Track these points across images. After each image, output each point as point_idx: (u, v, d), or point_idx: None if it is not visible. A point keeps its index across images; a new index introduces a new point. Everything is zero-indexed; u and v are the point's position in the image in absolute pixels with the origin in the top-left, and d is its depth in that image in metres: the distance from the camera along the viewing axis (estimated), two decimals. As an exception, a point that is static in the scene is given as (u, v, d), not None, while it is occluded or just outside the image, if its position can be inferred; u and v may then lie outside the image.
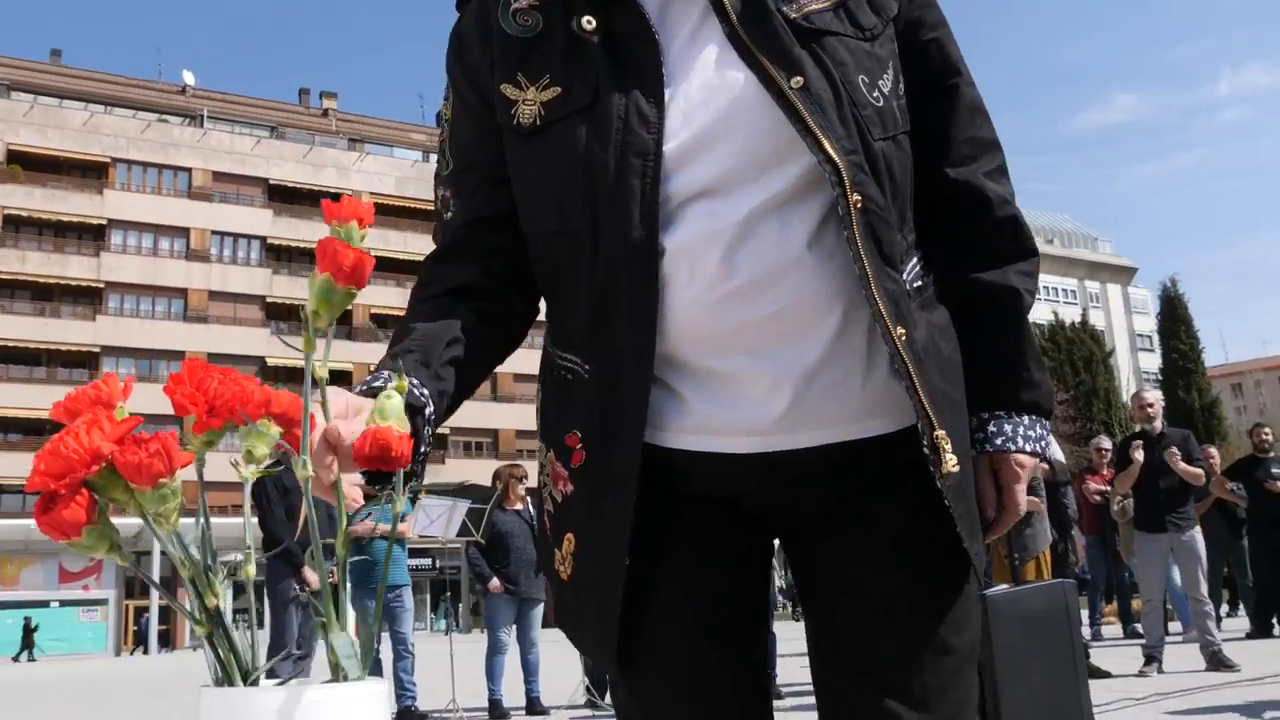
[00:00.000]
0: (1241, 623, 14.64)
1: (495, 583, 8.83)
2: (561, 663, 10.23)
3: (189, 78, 59.64)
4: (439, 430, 1.35)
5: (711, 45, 1.32)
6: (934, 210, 1.42)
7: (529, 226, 1.40)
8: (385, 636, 8.64)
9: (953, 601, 1.34)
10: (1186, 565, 8.97)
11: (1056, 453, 9.44)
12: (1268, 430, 11.43)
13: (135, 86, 57.93)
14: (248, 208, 54.60)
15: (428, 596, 47.80)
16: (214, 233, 53.60)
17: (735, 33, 1.30)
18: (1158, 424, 9.14)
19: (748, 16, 1.31)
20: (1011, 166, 1.50)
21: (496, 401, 51.47)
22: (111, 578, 46.09)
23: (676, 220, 1.27)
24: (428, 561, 44.85)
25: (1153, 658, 8.72)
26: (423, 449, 1.25)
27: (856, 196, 1.25)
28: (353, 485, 1.07)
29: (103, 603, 46.13)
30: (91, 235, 51.50)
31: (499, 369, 1.57)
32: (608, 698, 8.12)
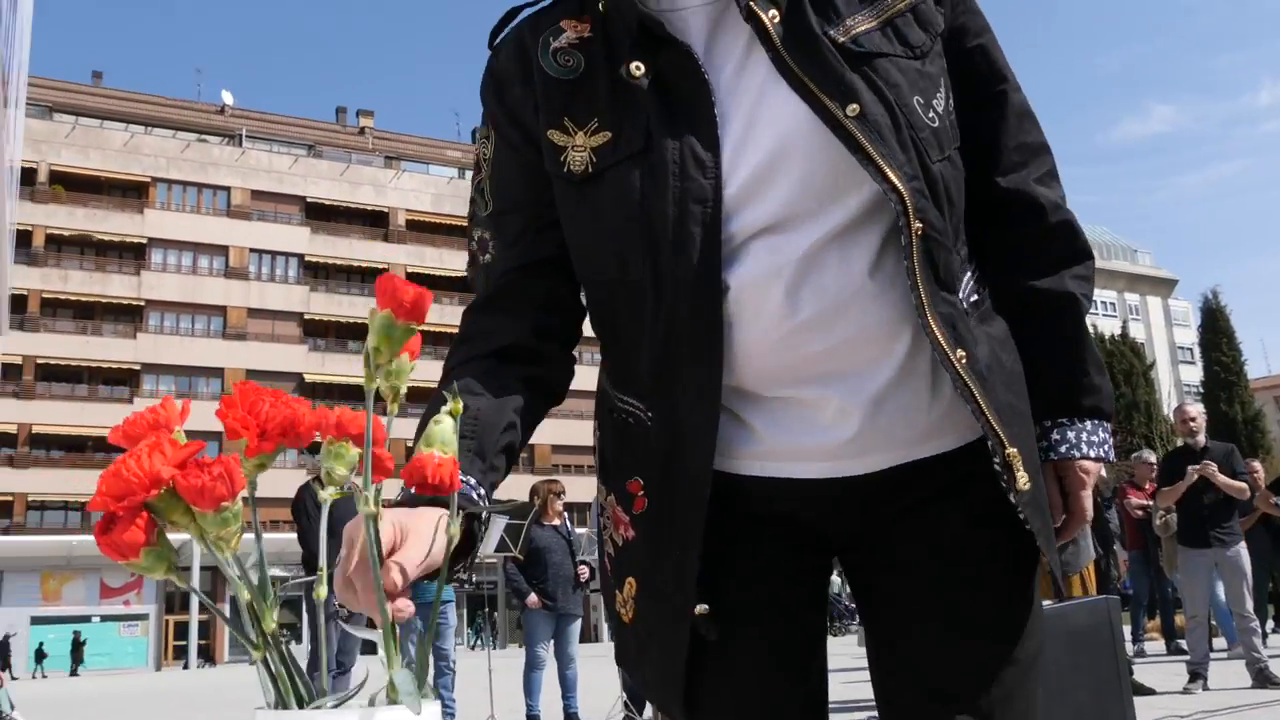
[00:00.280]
0: (1288, 639, 14.44)
1: (533, 598, 8.83)
2: (599, 678, 10.22)
3: (228, 98, 60.37)
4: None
5: (761, 77, 1.28)
6: (986, 218, 1.40)
7: (585, 274, 1.37)
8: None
9: (1016, 611, 1.33)
10: (1231, 581, 8.85)
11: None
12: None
13: (175, 107, 58.67)
14: (285, 225, 55.14)
15: (464, 611, 47.96)
16: (252, 250, 54.16)
17: (783, 61, 1.25)
18: (1201, 438, 9.03)
19: (794, 44, 1.26)
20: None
21: (532, 417, 51.59)
22: (152, 593, 46.52)
23: (739, 258, 1.25)
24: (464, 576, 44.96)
25: (1198, 674, 8.60)
26: (475, 551, 1.20)
27: (918, 224, 1.22)
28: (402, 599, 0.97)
29: (143, 618, 46.59)
30: (132, 254, 52.16)
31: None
32: (646, 713, 8.10)
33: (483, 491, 1.22)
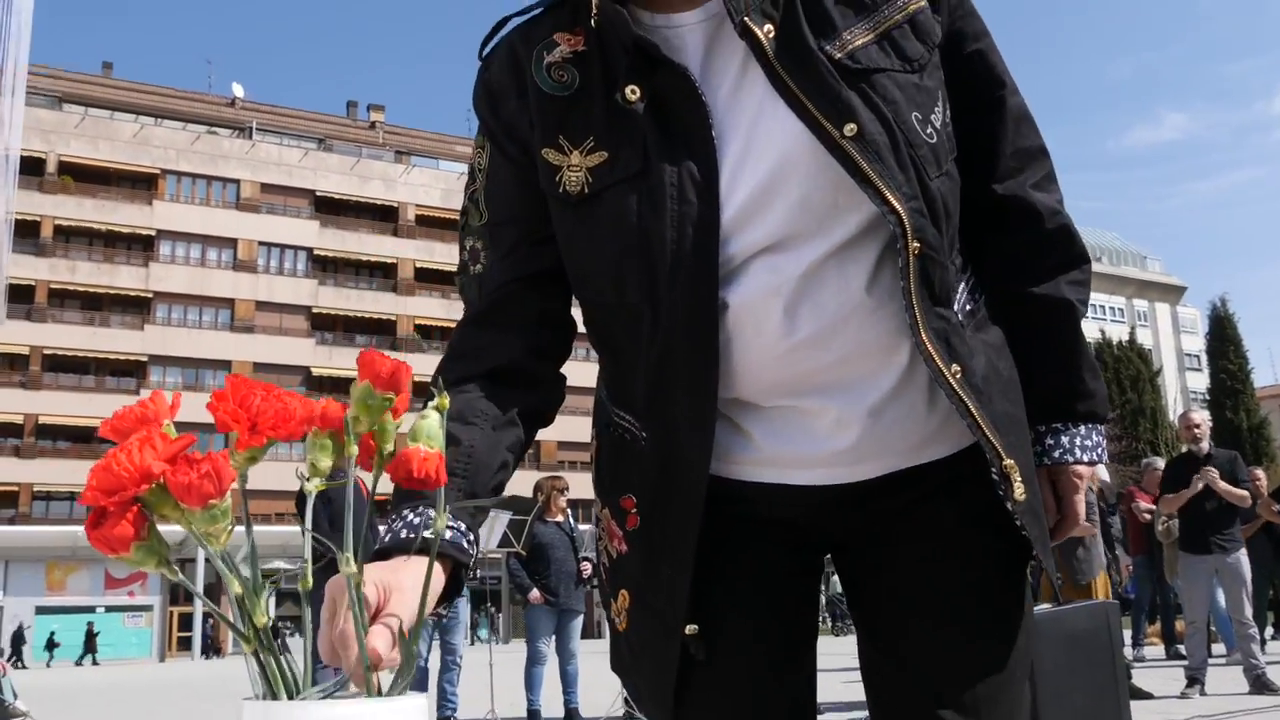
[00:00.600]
0: (1288, 646, 14.42)
1: (535, 594, 8.86)
2: (600, 674, 10.23)
3: (238, 90, 60.38)
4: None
5: (756, 96, 1.26)
6: (983, 224, 1.40)
7: (582, 295, 1.36)
8: (435, 646, 8.73)
9: (1005, 610, 1.34)
10: (1231, 587, 8.85)
11: (1103, 474, 9.35)
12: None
13: (185, 99, 58.71)
14: (295, 219, 55.16)
15: (467, 606, 47.98)
16: (261, 244, 54.18)
17: (780, 79, 1.23)
18: (1205, 445, 9.04)
19: (789, 61, 1.24)
20: (1060, 184, 1.47)
21: (538, 413, 51.54)
22: (156, 584, 46.57)
23: (737, 278, 1.25)
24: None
25: (1195, 679, 8.60)
26: (458, 599, 1.21)
27: (916, 244, 1.22)
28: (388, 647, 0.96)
29: (148, 609, 46.63)
30: (140, 246, 52.21)
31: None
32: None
33: (471, 538, 1.21)
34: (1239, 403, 51.07)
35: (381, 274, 57.24)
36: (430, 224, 57.85)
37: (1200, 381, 65.44)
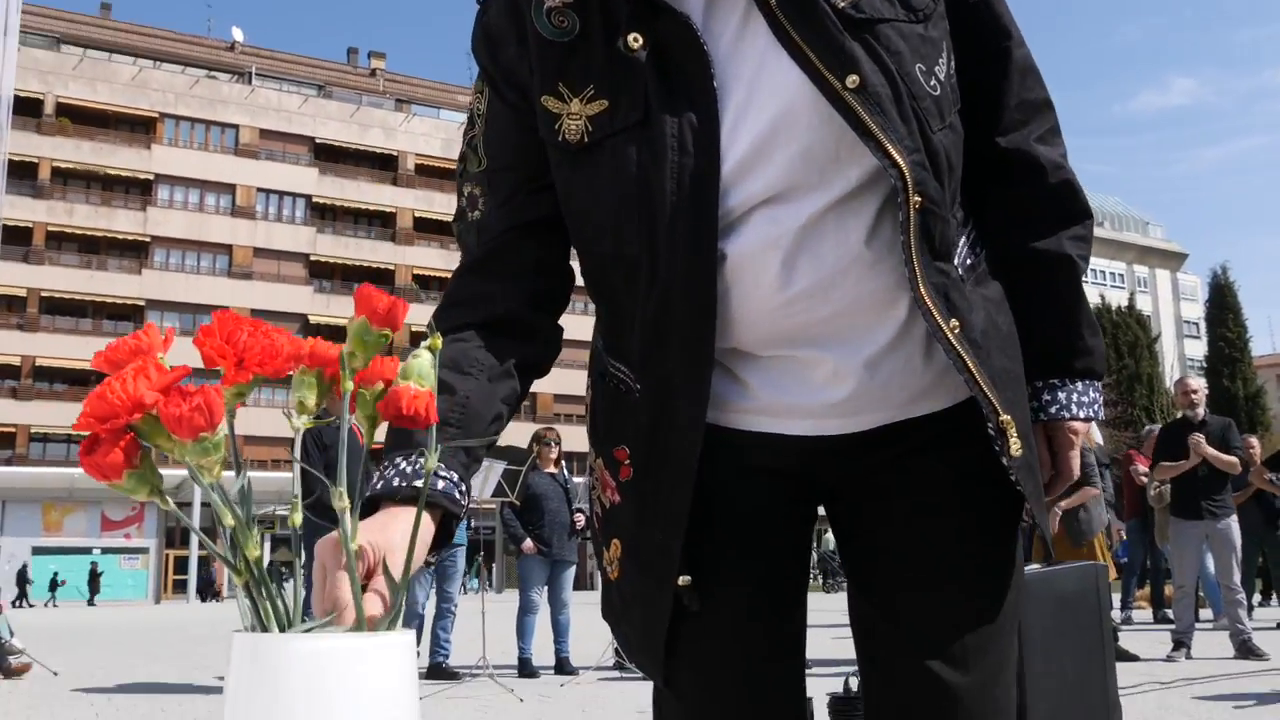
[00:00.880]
0: (1274, 612, 14.54)
1: (528, 544, 8.92)
2: (591, 624, 10.31)
3: (238, 34, 59.98)
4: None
5: (759, 47, 1.24)
6: (986, 177, 1.39)
7: (580, 245, 1.35)
8: (431, 594, 8.81)
9: (995, 564, 1.35)
10: (1220, 553, 8.92)
11: (1096, 436, 9.38)
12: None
13: (184, 42, 58.28)
14: (294, 166, 54.96)
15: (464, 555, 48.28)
16: (260, 190, 54.01)
17: (782, 29, 1.22)
18: (1200, 411, 9.06)
19: (792, 10, 1.22)
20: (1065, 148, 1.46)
21: (535, 366, 51.63)
22: (153, 527, 46.85)
23: (736, 229, 1.24)
24: (462, 522, 45.34)
25: (1181, 643, 8.68)
26: (456, 547, 1.20)
27: (917, 198, 1.21)
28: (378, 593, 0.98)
29: (144, 551, 46.92)
30: (138, 190, 52.04)
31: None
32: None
33: (464, 489, 1.21)
34: (1236, 371, 51.16)
35: (380, 223, 57.11)
36: (430, 174, 57.65)
37: (1198, 349, 65.51)
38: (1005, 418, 1.27)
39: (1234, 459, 8.78)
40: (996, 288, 1.37)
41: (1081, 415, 1.41)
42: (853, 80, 1.20)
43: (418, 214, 56.70)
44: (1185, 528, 8.98)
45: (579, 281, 1.46)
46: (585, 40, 1.29)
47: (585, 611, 7.08)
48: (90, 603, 42.40)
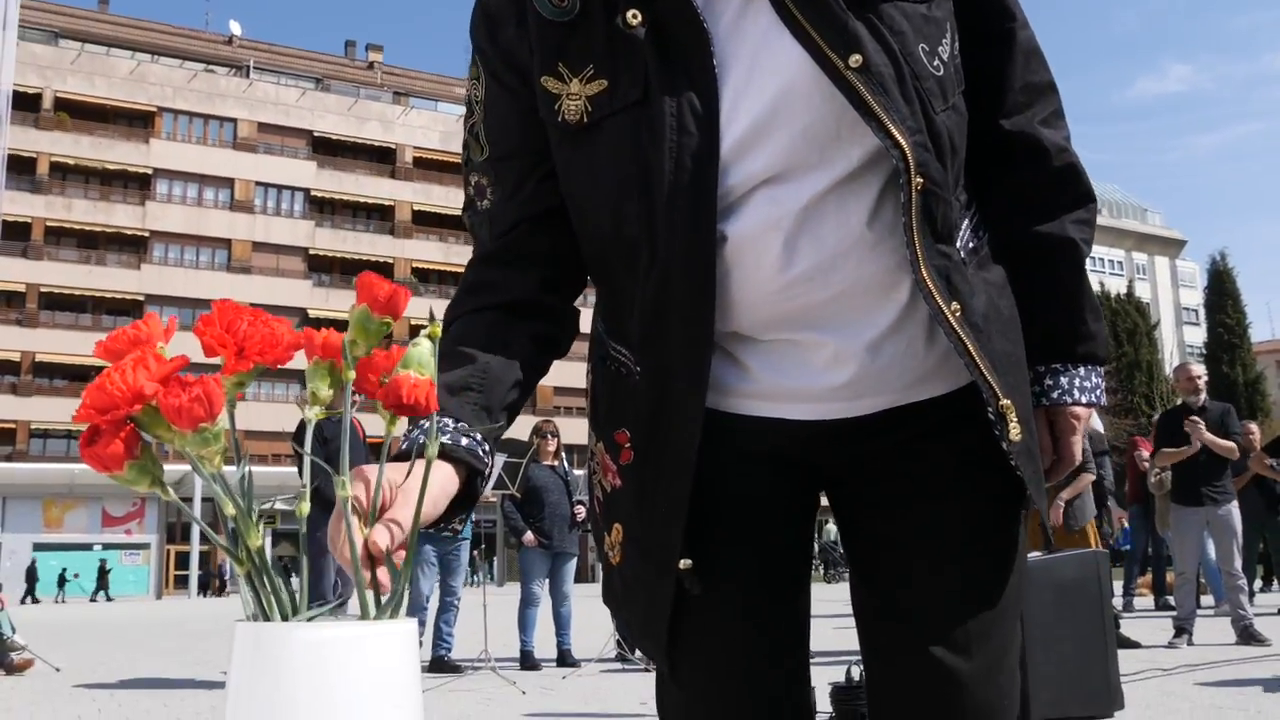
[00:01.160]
0: (1275, 598, 14.56)
1: (529, 536, 8.92)
2: (593, 616, 10.33)
3: (235, 28, 59.82)
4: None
5: (760, 25, 1.23)
6: (989, 159, 1.38)
7: (580, 226, 1.34)
8: (436, 586, 8.82)
9: (998, 550, 1.35)
10: (1221, 539, 8.92)
11: (1095, 423, 9.38)
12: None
13: (182, 36, 58.17)
14: (292, 159, 54.91)
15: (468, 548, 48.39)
16: (258, 184, 53.98)
17: (784, 7, 1.21)
18: (1202, 397, 9.06)
19: None
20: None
21: (535, 358, 51.67)
22: (153, 522, 46.88)
23: (737, 210, 1.23)
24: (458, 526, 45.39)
25: (1183, 629, 8.70)
26: (474, 504, 1.21)
27: (919, 179, 1.20)
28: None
29: (145, 546, 46.95)
30: (137, 184, 52.00)
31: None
32: (639, 652, 8.20)
33: (487, 448, 1.20)
34: (1236, 357, 51.21)
35: (379, 216, 57.08)
36: (428, 166, 57.59)
37: (1197, 336, 65.51)
38: (1005, 402, 1.27)
39: (1231, 444, 8.76)
40: (999, 271, 1.37)
41: (1084, 400, 1.40)
42: (855, 59, 1.19)
43: (416, 207, 56.66)
44: (1186, 514, 8.99)
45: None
46: (585, 20, 1.28)
47: (587, 604, 7.10)
48: (102, 598, 42.51)
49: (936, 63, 1.26)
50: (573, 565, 9.33)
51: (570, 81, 1.28)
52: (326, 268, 54.75)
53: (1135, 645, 8.48)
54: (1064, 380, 1.40)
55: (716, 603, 1.33)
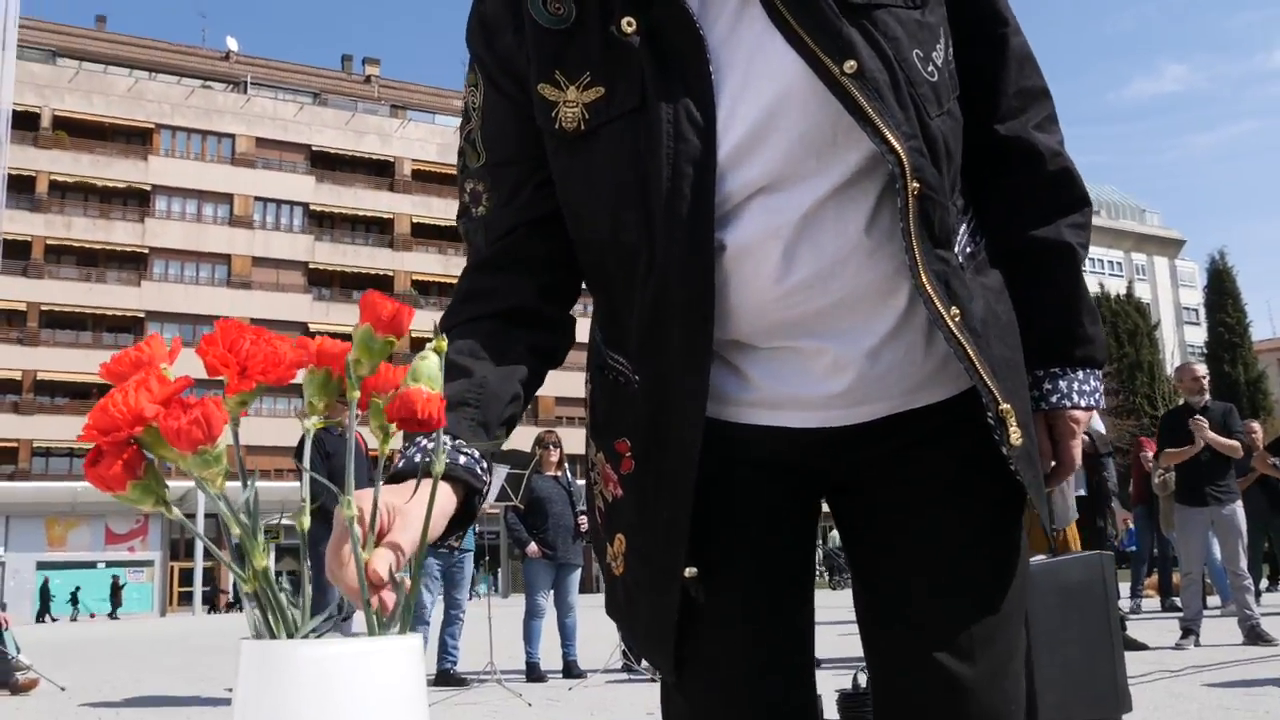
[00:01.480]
0: (1282, 598, 14.53)
1: (533, 547, 8.91)
2: (598, 627, 10.31)
3: (232, 44, 59.92)
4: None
5: (755, 31, 1.24)
6: (984, 165, 1.39)
7: (577, 234, 1.34)
8: (439, 600, 8.80)
9: (1000, 554, 1.35)
10: (1226, 539, 8.91)
11: (1097, 424, 9.37)
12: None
13: (179, 53, 58.27)
14: (290, 174, 54.97)
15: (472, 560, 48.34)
16: (257, 199, 54.03)
17: (779, 14, 1.22)
18: (1205, 397, 9.06)
19: None
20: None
21: (536, 369, 51.69)
22: (156, 539, 46.83)
23: (735, 218, 1.24)
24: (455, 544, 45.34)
25: (1190, 630, 8.68)
26: (471, 521, 1.20)
27: (915, 184, 1.21)
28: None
29: (148, 564, 46.89)
30: (136, 201, 52.04)
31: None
32: (644, 662, 8.18)
33: (485, 465, 1.20)
34: (1237, 356, 51.21)
35: (378, 229, 57.12)
36: (427, 179, 57.66)
37: (1198, 335, 65.52)
38: (1005, 406, 1.27)
39: (1234, 443, 8.76)
40: (996, 276, 1.37)
41: (1083, 404, 1.41)
42: (850, 66, 1.20)
43: (415, 220, 56.71)
44: (1190, 514, 8.97)
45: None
46: (581, 28, 1.28)
47: (592, 614, 7.08)
48: (113, 615, 42.53)
49: (931, 68, 1.27)
50: (577, 576, 9.32)
51: (567, 89, 1.28)
52: (326, 281, 54.77)
53: (1142, 647, 8.46)
54: (1063, 384, 1.40)
55: (719, 611, 1.32)
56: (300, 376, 0.90)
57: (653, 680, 7.73)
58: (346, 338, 0.93)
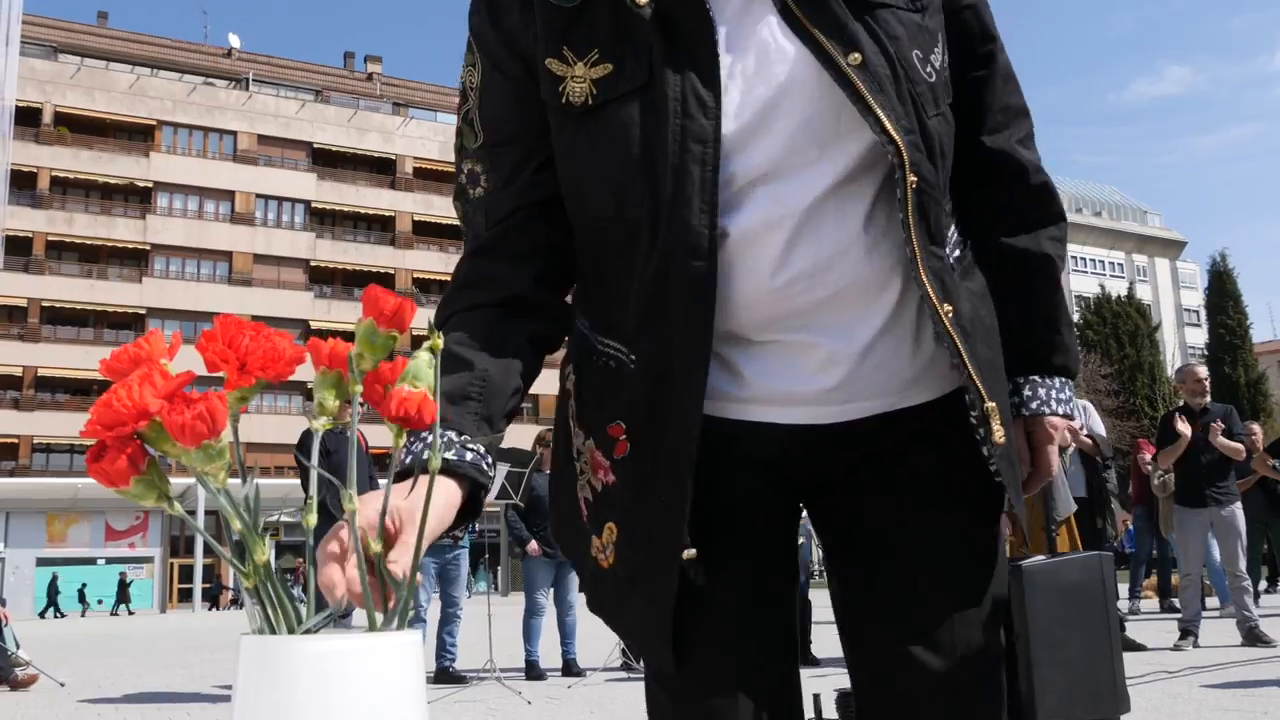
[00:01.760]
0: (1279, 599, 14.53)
1: (533, 546, 8.92)
2: (598, 626, 10.29)
3: (234, 41, 59.92)
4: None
5: (764, 18, 1.27)
6: (970, 176, 1.42)
7: (578, 211, 1.34)
8: (435, 598, 8.81)
9: (980, 554, 1.37)
10: (1226, 541, 8.90)
11: (1098, 426, 9.36)
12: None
13: (181, 49, 58.27)
14: (292, 171, 54.95)
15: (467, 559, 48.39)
16: (258, 196, 54.02)
17: (787, 6, 1.25)
18: (1206, 398, 9.06)
19: None
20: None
21: (536, 367, 51.73)
22: (157, 536, 46.85)
23: (739, 205, 1.25)
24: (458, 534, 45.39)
25: (1189, 632, 8.68)
26: (477, 514, 1.20)
27: (913, 178, 1.23)
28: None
29: (148, 560, 46.92)
30: (138, 198, 52.05)
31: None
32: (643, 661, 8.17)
33: (490, 460, 1.21)
34: (1237, 358, 51.20)
35: (380, 227, 57.13)
36: (428, 177, 57.66)
37: (1199, 337, 65.52)
38: (990, 404, 1.29)
39: (1239, 445, 8.77)
40: (980, 282, 1.40)
41: (1060, 411, 1.44)
42: (855, 58, 1.23)
43: (417, 217, 56.71)
44: (1190, 515, 8.97)
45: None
46: (591, 4, 1.29)
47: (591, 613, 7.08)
48: (124, 611, 42.56)
49: (929, 69, 1.31)
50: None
51: (575, 65, 1.29)
52: (328, 279, 54.77)
53: (1141, 648, 8.46)
54: (1041, 391, 1.44)
55: (709, 606, 1.32)
56: (304, 375, 0.90)
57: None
58: (347, 336, 0.93)
